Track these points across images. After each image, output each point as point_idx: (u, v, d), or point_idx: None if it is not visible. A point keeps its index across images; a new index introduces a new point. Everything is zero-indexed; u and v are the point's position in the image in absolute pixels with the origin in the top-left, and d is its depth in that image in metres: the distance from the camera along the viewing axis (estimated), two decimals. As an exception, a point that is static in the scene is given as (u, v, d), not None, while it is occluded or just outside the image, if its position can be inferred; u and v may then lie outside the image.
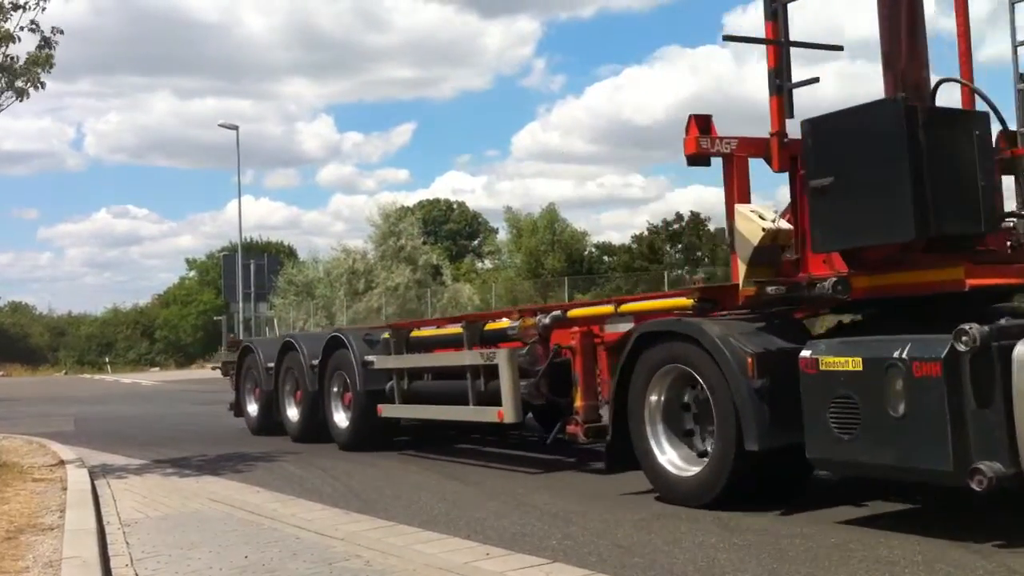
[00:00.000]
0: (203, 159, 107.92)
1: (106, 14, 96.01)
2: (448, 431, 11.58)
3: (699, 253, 45.90)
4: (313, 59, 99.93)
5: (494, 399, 8.89)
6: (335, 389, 11.39)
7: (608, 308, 8.25)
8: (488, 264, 59.15)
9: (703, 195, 79.63)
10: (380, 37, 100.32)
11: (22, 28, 10.20)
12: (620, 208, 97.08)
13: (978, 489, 5.16)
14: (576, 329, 8.42)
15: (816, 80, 6.75)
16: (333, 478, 9.14)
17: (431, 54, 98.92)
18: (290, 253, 66.02)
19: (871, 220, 6.03)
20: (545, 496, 7.67)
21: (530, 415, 10.05)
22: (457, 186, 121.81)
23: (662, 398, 7.10)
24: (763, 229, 6.62)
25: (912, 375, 5.41)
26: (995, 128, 6.49)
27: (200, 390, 28.41)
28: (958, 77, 6.98)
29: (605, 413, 8.10)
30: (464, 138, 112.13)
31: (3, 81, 10.38)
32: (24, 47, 10.31)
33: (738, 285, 6.85)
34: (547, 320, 8.80)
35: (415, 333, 10.69)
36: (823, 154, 6.31)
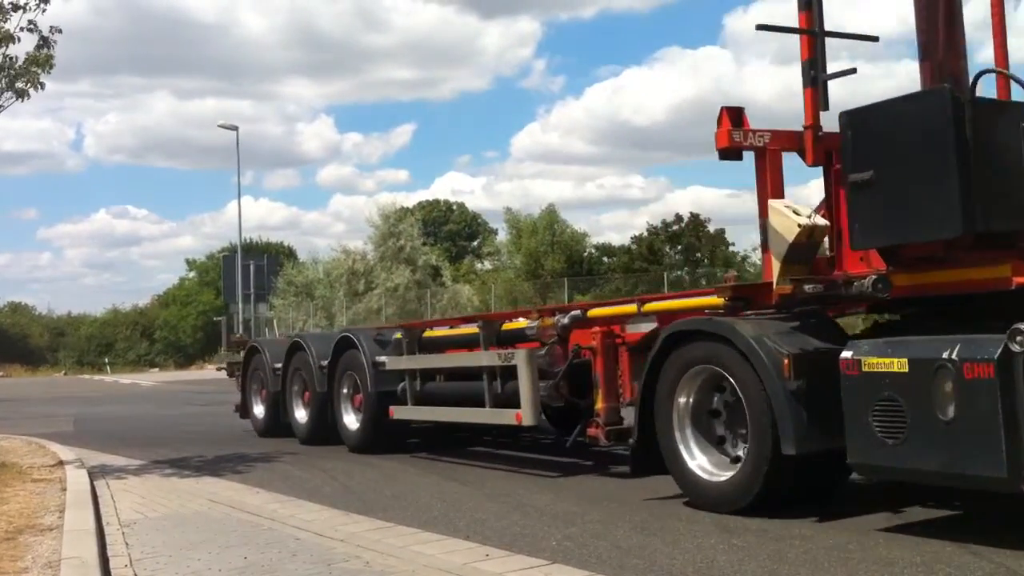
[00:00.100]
0: (203, 160, 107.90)
1: (106, 14, 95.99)
2: (459, 433, 11.35)
3: (699, 254, 45.74)
4: (313, 59, 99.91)
5: (511, 401, 8.65)
6: (345, 390, 11.15)
7: (630, 308, 8.03)
8: (488, 265, 58.91)
9: (703, 196, 79.69)
10: (380, 38, 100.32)
11: (23, 29, 10.13)
12: (620, 209, 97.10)
13: (1034, 496, 4.95)
14: (597, 329, 8.18)
15: (853, 71, 6.53)
16: (332, 479, 9.08)
17: (431, 55, 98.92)
18: (290, 254, 65.83)
19: (915, 215, 5.78)
20: (545, 497, 7.61)
21: (543, 417, 9.81)
22: (457, 187, 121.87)
23: (691, 400, 6.86)
24: (799, 225, 6.37)
25: (963, 377, 5.16)
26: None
27: (199, 391, 28.40)
28: (996, 68, 6.75)
29: (627, 415, 7.89)
30: (464, 139, 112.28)
31: (3, 82, 10.26)
32: (24, 47, 10.25)
33: (771, 283, 6.60)
34: (566, 320, 8.57)
35: (428, 333, 10.45)
36: (863, 147, 6.05)
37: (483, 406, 9.06)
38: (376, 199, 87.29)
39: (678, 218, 46.56)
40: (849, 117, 6.13)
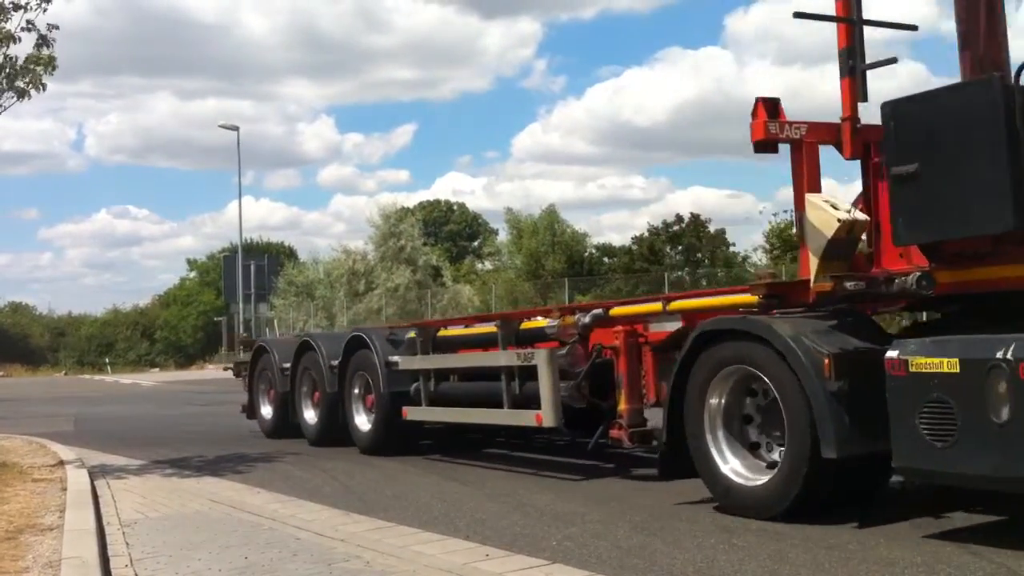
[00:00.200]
0: (203, 160, 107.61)
1: (107, 15, 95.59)
2: (471, 435, 11.12)
3: (699, 255, 45.53)
4: (314, 60, 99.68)
5: (531, 402, 8.42)
6: (356, 391, 10.91)
7: (655, 306, 7.81)
8: (488, 265, 58.73)
9: (703, 197, 79.50)
10: (381, 38, 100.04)
11: (23, 29, 10.01)
12: (620, 209, 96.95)
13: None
14: (619, 328, 7.95)
15: (894, 60, 6.30)
16: (333, 479, 9.01)
17: (432, 55, 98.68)
18: (290, 254, 65.71)
19: (962, 210, 5.56)
20: (546, 497, 7.57)
21: None
22: (457, 187, 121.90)
23: (723, 401, 6.62)
24: (838, 220, 6.14)
25: (1018, 377, 4.93)
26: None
27: (200, 391, 28.40)
28: None
29: (650, 416, 7.68)
30: (464, 139, 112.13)
31: (3, 82, 10.13)
32: (24, 47, 10.14)
33: (808, 281, 6.37)
34: (587, 319, 8.35)
35: (442, 332, 10.21)
36: (907, 139, 5.82)
37: (501, 407, 8.83)
38: (377, 199, 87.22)
39: (679, 218, 46.29)
40: (892, 108, 5.90)
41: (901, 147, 5.86)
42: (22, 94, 10.19)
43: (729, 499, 6.54)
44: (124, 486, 8.87)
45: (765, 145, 6.56)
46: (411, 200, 66.25)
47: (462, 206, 73.48)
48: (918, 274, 5.87)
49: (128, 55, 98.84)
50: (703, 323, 6.78)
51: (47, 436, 13.56)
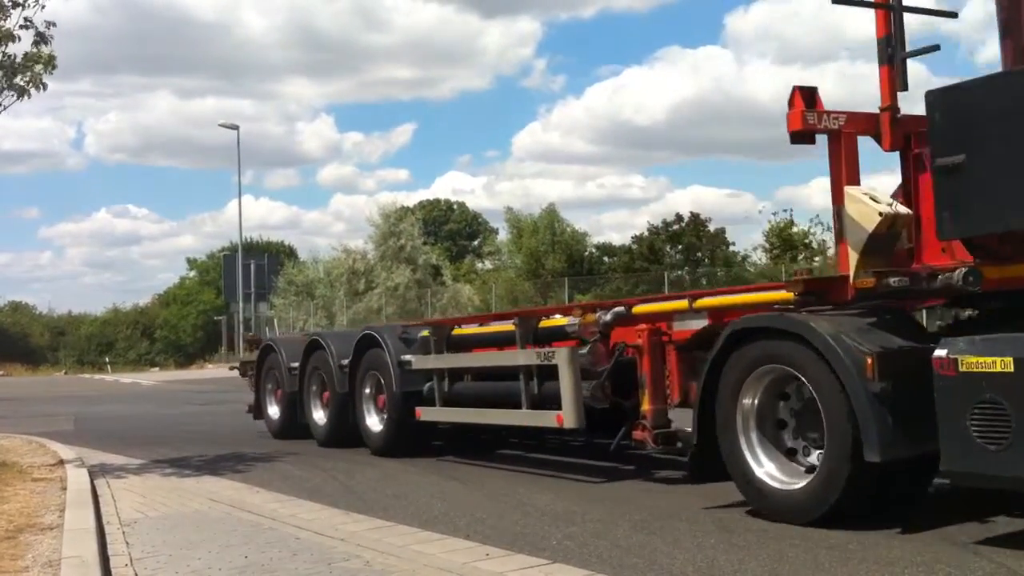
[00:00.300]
0: (203, 159, 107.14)
1: (106, 13, 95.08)
2: (482, 435, 10.88)
3: (699, 254, 45.35)
4: (313, 59, 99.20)
5: (550, 402, 8.19)
6: (367, 391, 10.66)
7: (680, 303, 7.57)
8: (488, 264, 58.53)
9: (703, 196, 79.31)
10: (380, 37, 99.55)
11: (21, 26, 9.89)
12: (620, 208, 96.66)
13: None
14: (643, 326, 7.72)
15: (936, 48, 6.08)
16: (333, 478, 8.98)
17: (431, 54, 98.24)
18: (290, 253, 65.50)
19: (1013, 203, 5.33)
20: (546, 497, 7.55)
21: None
22: (457, 186, 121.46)
23: (756, 402, 6.38)
24: (880, 214, 5.90)
25: (1078, 377, 4.73)
26: None
27: (200, 390, 28.23)
28: None
29: (675, 417, 7.46)
30: (464, 138, 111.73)
31: (3, 80, 9.99)
32: (24, 47, 10.02)
33: (847, 277, 6.13)
34: (609, 316, 8.11)
35: (456, 331, 9.97)
36: (953, 129, 5.59)
37: (519, 407, 8.59)
38: (376, 198, 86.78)
39: (678, 218, 46.10)
40: (937, 97, 5.68)
41: (946, 137, 5.63)
42: (22, 93, 10.07)
43: (763, 503, 6.31)
44: (124, 485, 8.84)
45: (802, 136, 6.33)
46: (411, 199, 66.20)
47: (462, 205, 73.33)
48: (964, 270, 5.64)
49: (127, 54, 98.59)
50: (736, 321, 6.55)
51: (47, 435, 13.48)
